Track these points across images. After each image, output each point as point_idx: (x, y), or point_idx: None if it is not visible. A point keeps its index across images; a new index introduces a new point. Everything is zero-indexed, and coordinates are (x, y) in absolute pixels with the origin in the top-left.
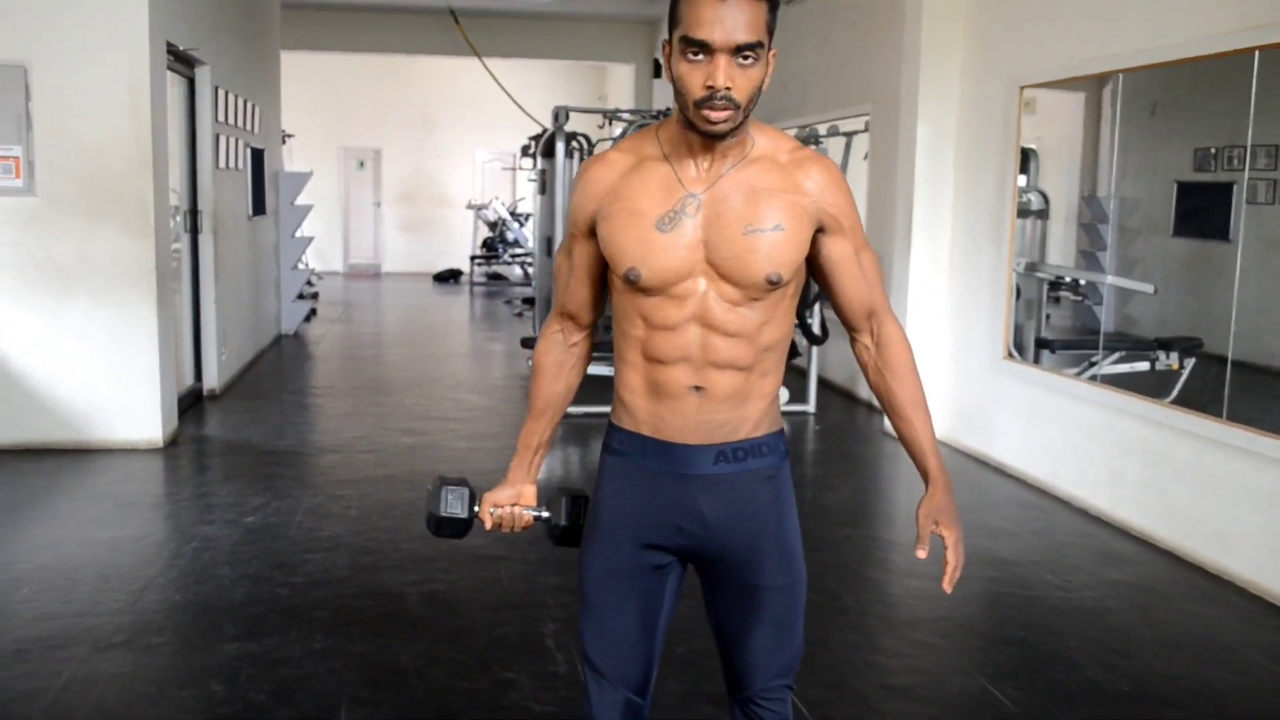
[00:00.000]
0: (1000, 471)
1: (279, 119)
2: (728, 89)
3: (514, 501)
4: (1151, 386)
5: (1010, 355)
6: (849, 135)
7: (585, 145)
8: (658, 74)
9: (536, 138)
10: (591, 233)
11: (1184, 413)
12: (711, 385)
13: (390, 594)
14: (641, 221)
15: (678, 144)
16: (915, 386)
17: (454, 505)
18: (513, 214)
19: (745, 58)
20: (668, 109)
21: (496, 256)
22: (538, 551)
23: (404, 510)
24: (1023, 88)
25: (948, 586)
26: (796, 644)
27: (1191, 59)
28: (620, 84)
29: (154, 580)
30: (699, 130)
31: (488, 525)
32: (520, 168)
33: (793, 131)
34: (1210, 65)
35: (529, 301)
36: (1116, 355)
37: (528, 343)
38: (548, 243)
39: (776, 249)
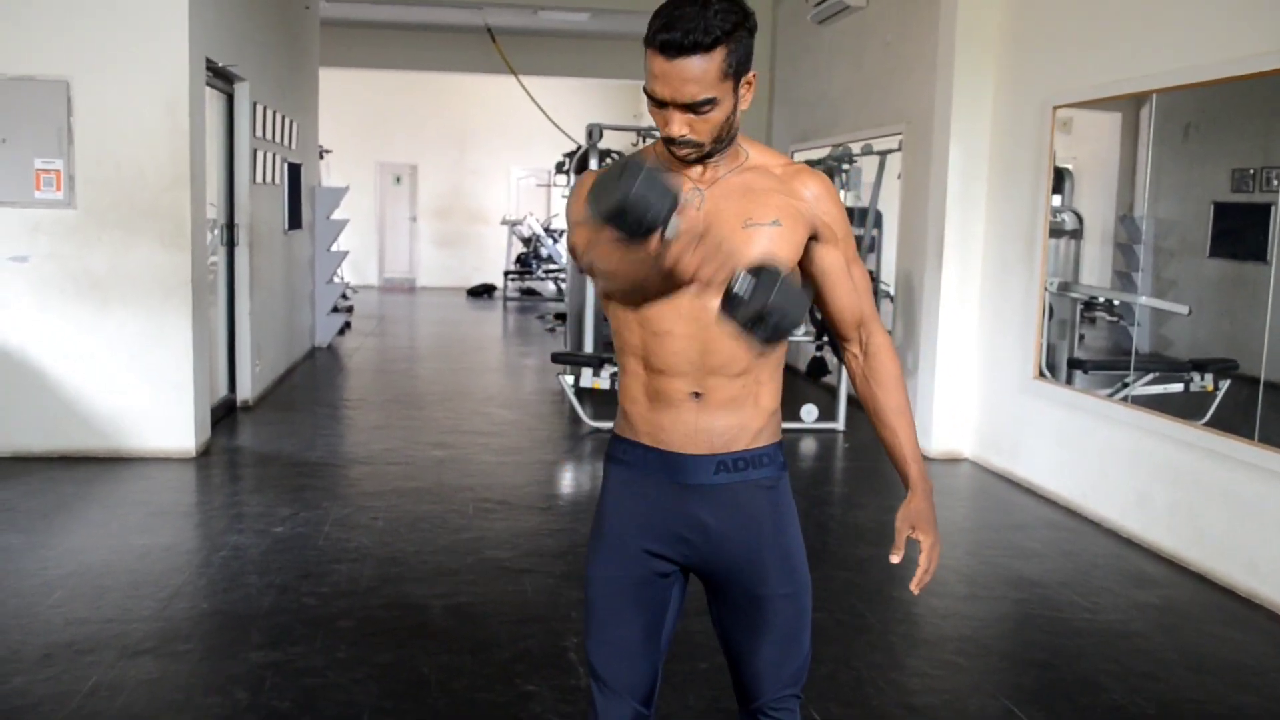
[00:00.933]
0: (1030, 492)
1: (316, 134)
2: (683, 135)
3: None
4: (1186, 408)
5: (1041, 375)
6: (883, 154)
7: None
8: None
9: (571, 154)
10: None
11: (1215, 434)
12: (709, 391)
13: (415, 605)
14: None
15: (672, 158)
16: (900, 395)
17: (652, 188)
18: (546, 230)
19: (700, 110)
20: None
21: (530, 272)
22: (563, 565)
23: (431, 523)
24: (1055, 108)
25: (915, 588)
26: (804, 653)
27: (1225, 79)
28: None
29: (183, 588)
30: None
31: (681, 232)
32: (555, 184)
33: (825, 150)
34: (1245, 86)
35: (561, 317)
36: (1150, 376)
37: (559, 358)
38: None
39: (774, 243)
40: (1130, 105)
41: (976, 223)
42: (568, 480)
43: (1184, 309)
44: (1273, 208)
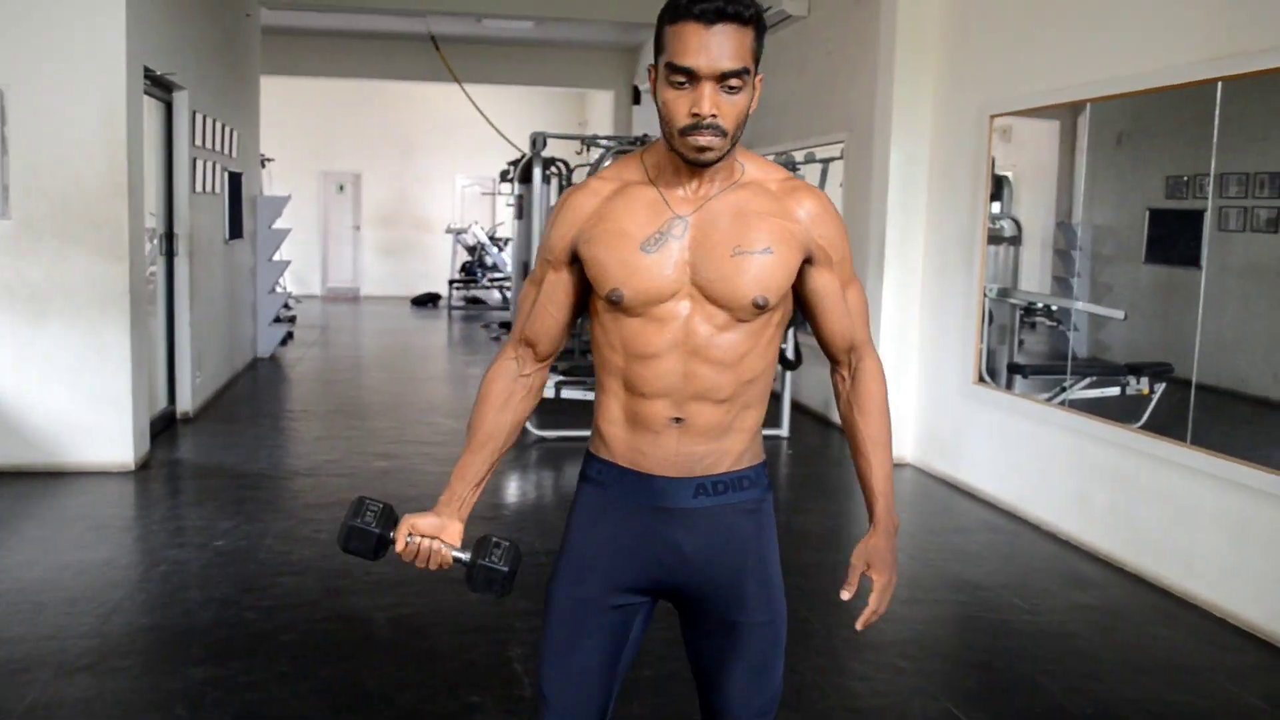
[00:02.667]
0: (970, 495)
1: (258, 143)
2: (713, 116)
3: (436, 534)
4: (1123, 411)
5: (981, 380)
6: (825, 162)
7: (563, 171)
8: (637, 100)
9: (515, 163)
10: (569, 261)
11: (1150, 437)
12: (691, 417)
13: (359, 618)
14: (626, 243)
15: (664, 168)
16: (881, 427)
17: (367, 518)
18: (492, 238)
19: (731, 86)
20: (645, 135)
21: (475, 281)
22: None
23: None
24: (993, 116)
25: (860, 626)
26: (776, 685)
27: (1158, 89)
28: (600, 110)
29: (121, 604)
30: (685, 159)
31: (399, 547)
32: (500, 193)
33: (770, 158)
34: (1178, 95)
35: (506, 326)
36: (1088, 380)
37: None
38: (524, 268)
39: (764, 272)
40: (1068, 114)
41: (917, 229)
42: (513, 490)
43: (1119, 314)
44: (1205, 214)
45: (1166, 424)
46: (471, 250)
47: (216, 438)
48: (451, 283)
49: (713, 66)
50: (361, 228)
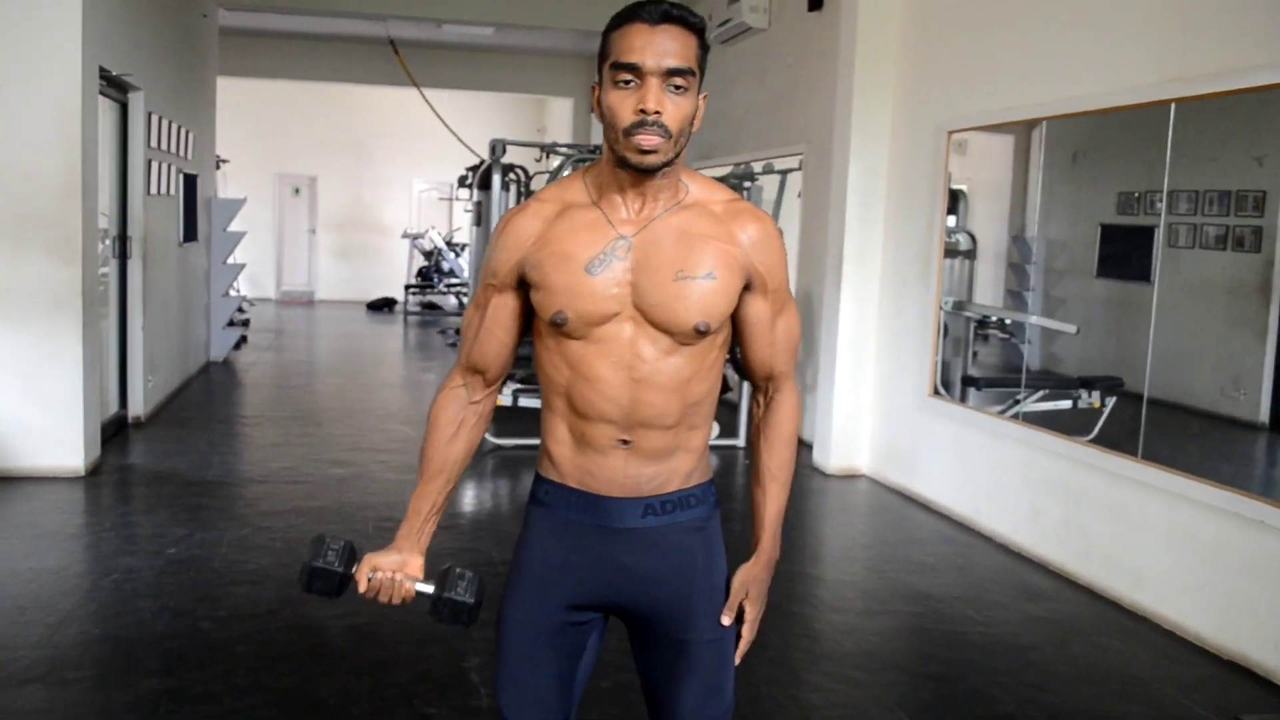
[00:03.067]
0: (925, 507)
1: (213, 145)
2: (658, 113)
3: (398, 569)
4: (1075, 424)
5: (937, 393)
6: (784, 173)
7: (522, 178)
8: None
9: (474, 169)
10: (515, 285)
11: (1102, 451)
12: (638, 440)
13: (315, 628)
14: (571, 265)
15: (607, 187)
16: (783, 460)
17: (329, 558)
18: (449, 244)
19: (677, 86)
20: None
21: (431, 286)
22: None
23: None
24: (951, 132)
25: (739, 659)
26: (727, 701)
27: (1112, 109)
28: (559, 117)
29: (73, 613)
30: (630, 164)
31: (362, 588)
32: (457, 198)
33: (728, 169)
34: (1131, 114)
35: None
36: (1041, 394)
37: None
38: None
39: (706, 298)
40: (1022, 130)
41: (875, 242)
42: (470, 498)
43: (1072, 328)
44: (1155, 230)
45: (1117, 438)
46: (428, 255)
47: (168, 443)
48: (408, 288)
49: (658, 62)
50: (317, 231)
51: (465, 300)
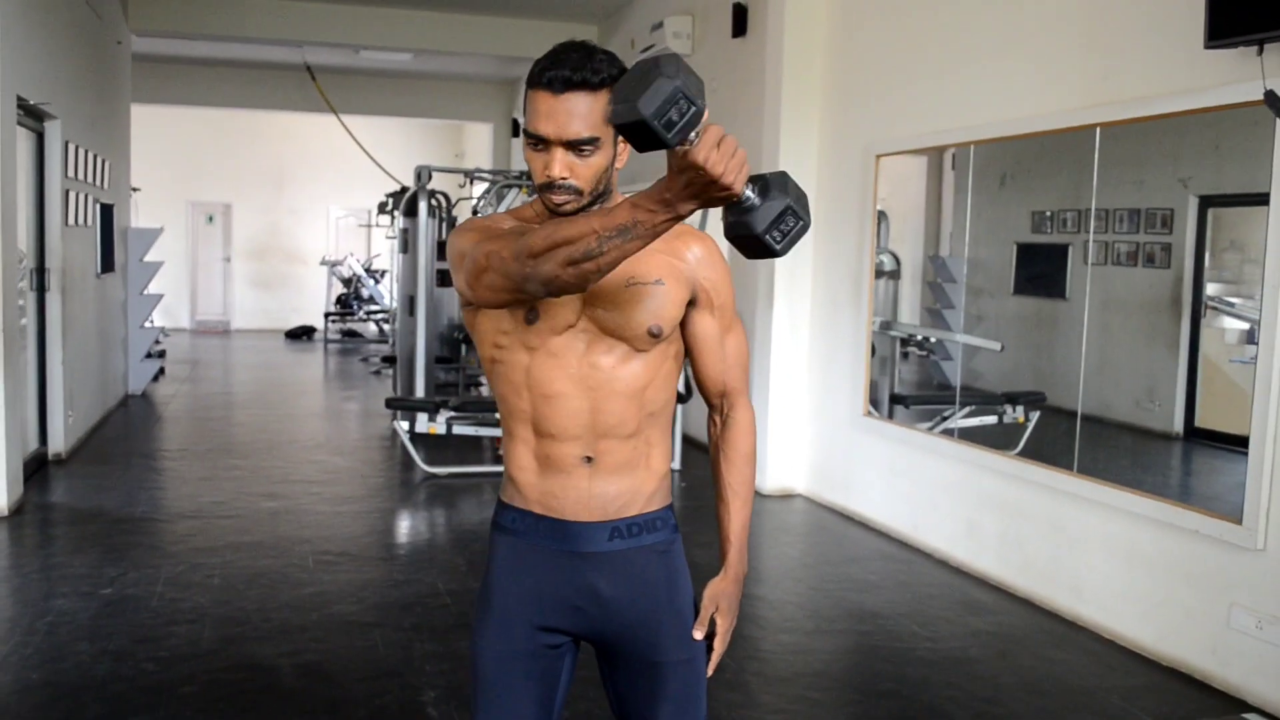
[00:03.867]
0: (863, 525)
1: (129, 174)
2: (563, 179)
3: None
4: (1000, 439)
5: (870, 412)
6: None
7: (444, 204)
8: (516, 133)
9: (394, 195)
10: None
11: (1037, 465)
12: (601, 454)
13: (262, 666)
14: None
15: (548, 210)
16: (743, 475)
17: (690, 80)
18: (368, 270)
19: (582, 150)
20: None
21: (351, 313)
22: (412, 617)
23: (271, 578)
24: (879, 156)
25: (711, 671)
26: (701, 718)
27: (1039, 133)
28: (477, 142)
29: (7, 659)
30: (549, 209)
31: (711, 139)
32: (377, 224)
33: None
34: (1048, 138)
35: (388, 360)
36: (967, 410)
37: (393, 404)
38: (409, 302)
39: (656, 302)
40: (934, 153)
41: (805, 263)
42: (408, 529)
43: (997, 345)
44: (1069, 248)
45: (1041, 450)
46: (347, 283)
47: (92, 480)
48: (327, 316)
49: (559, 134)
50: (232, 259)
51: (386, 328)
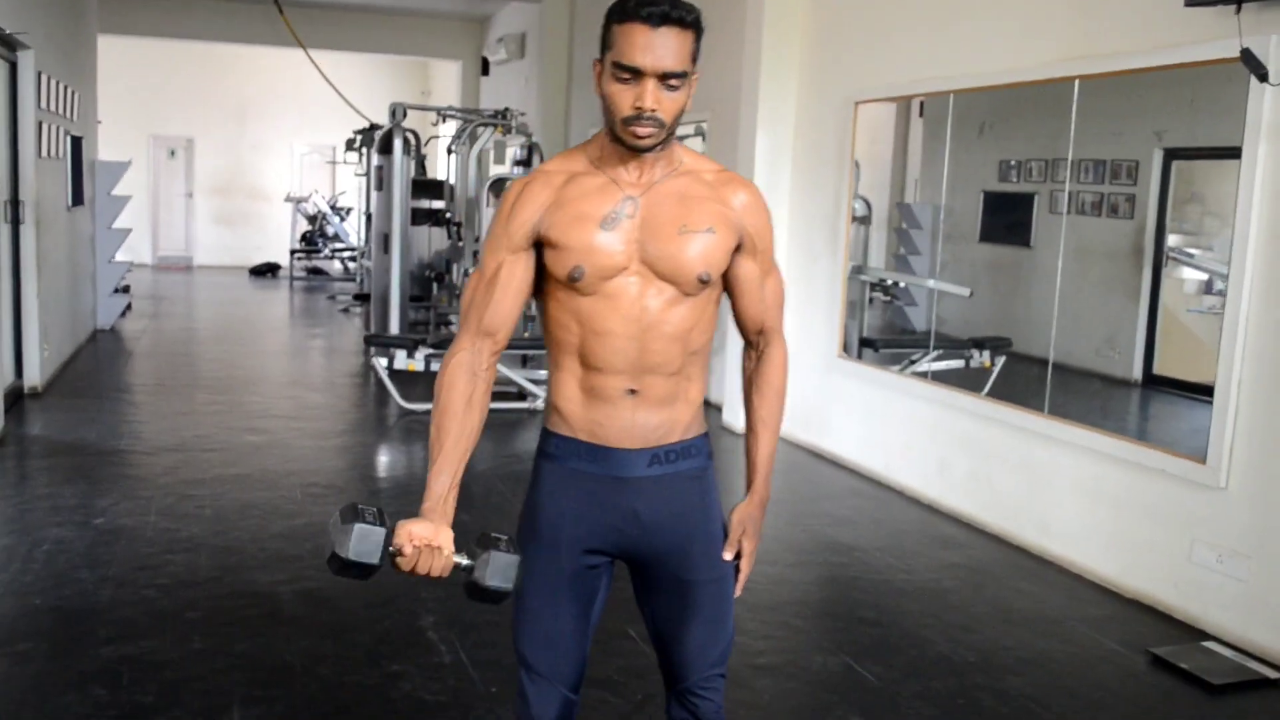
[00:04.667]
0: (836, 464)
1: (96, 106)
2: (654, 110)
3: (432, 539)
4: (967, 382)
5: (843, 354)
6: (680, 139)
7: (414, 142)
8: (485, 71)
9: (363, 132)
10: (529, 246)
11: (1006, 406)
12: (645, 389)
13: (263, 593)
14: (587, 223)
15: (608, 158)
16: (774, 407)
17: (367, 518)
18: (334, 208)
19: (671, 85)
20: (506, 110)
21: (317, 251)
22: None
23: (261, 510)
24: (858, 103)
25: (739, 591)
26: (729, 634)
27: (1019, 84)
28: (443, 80)
29: (9, 585)
30: (626, 144)
31: (407, 552)
32: (346, 161)
33: None
34: (1031, 90)
35: (361, 298)
36: (936, 354)
37: (373, 340)
38: (384, 239)
39: (708, 249)
40: (915, 98)
41: (782, 209)
42: (391, 462)
43: (966, 291)
44: (1035, 197)
45: (1006, 392)
46: (312, 220)
47: (72, 413)
48: (293, 253)
49: (656, 66)
50: (194, 195)
51: (352, 265)
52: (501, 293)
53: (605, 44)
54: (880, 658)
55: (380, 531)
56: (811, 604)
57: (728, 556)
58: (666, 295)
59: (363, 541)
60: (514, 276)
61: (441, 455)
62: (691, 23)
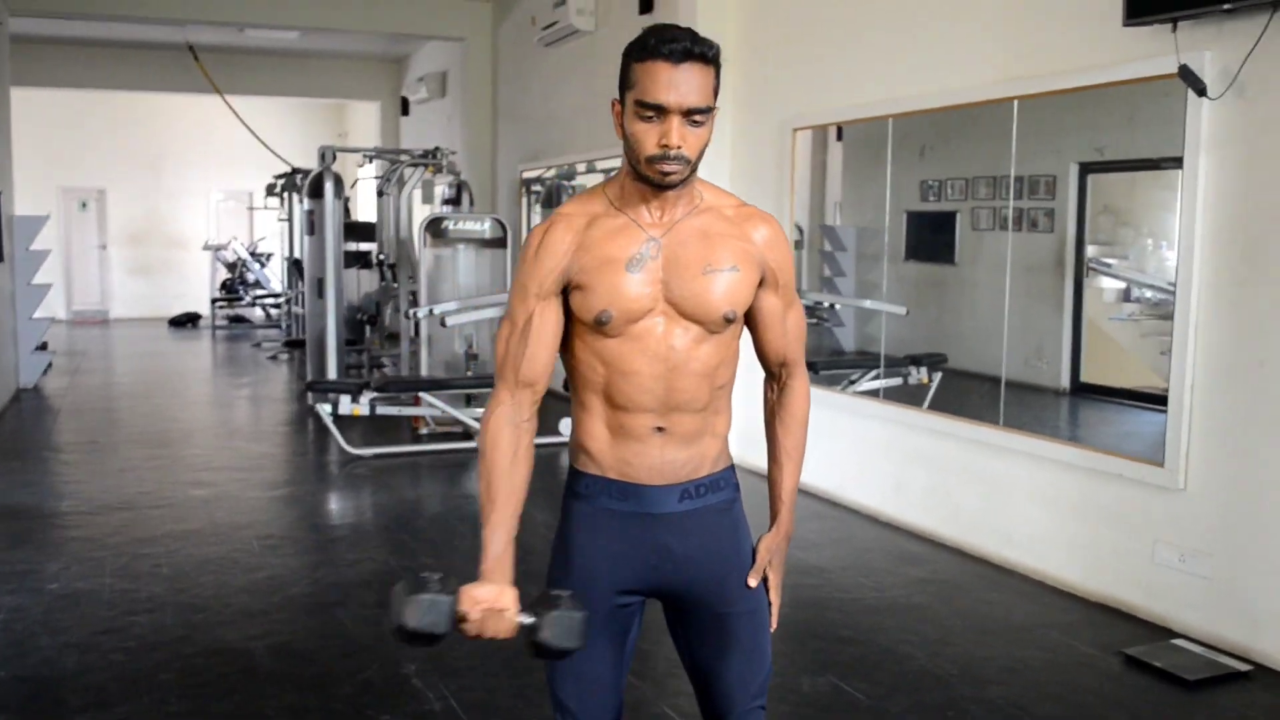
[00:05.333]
0: (801, 491)
1: (10, 160)
2: (679, 148)
3: (495, 602)
4: (906, 399)
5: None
6: (606, 173)
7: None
8: (405, 111)
9: (285, 176)
10: (558, 292)
11: (958, 421)
12: (672, 426)
13: (235, 650)
14: (614, 266)
15: (629, 196)
16: (798, 439)
17: (432, 587)
18: (253, 254)
19: (695, 120)
20: (437, 149)
21: (239, 298)
22: (373, 595)
23: (220, 565)
24: (795, 130)
25: (774, 624)
26: (767, 666)
27: (959, 106)
28: (360, 121)
29: None
30: (651, 183)
31: (471, 632)
32: (267, 206)
33: (553, 170)
34: (970, 111)
35: (292, 345)
36: (875, 372)
37: (315, 386)
38: (318, 284)
39: (732, 287)
40: (853, 123)
41: None
42: (347, 510)
43: (902, 310)
44: (957, 215)
45: (944, 408)
46: (231, 267)
47: (7, 476)
48: (214, 301)
49: (680, 103)
50: (108, 246)
51: (275, 312)
52: (536, 343)
53: (626, 83)
54: (865, 675)
55: (446, 601)
56: (789, 626)
57: (752, 583)
58: (692, 334)
59: (430, 613)
60: (546, 324)
61: (494, 513)
62: (712, 58)
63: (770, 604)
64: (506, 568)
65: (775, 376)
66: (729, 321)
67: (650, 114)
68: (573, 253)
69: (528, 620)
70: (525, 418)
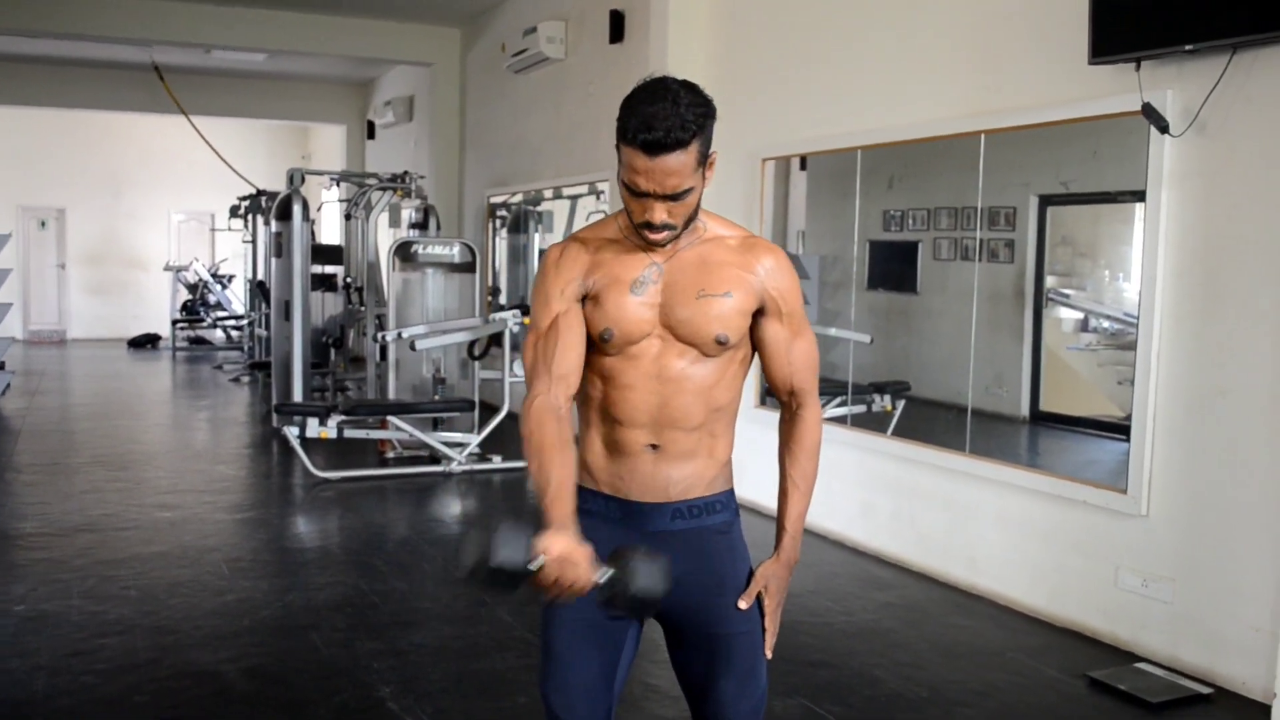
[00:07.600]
0: (757, 513)
1: None
2: (664, 221)
3: (571, 553)
4: (870, 425)
5: (762, 403)
6: (573, 199)
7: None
8: (371, 135)
9: (249, 198)
10: (579, 300)
11: (926, 447)
12: (666, 443)
13: (208, 672)
14: (620, 286)
15: (644, 239)
16: (807, 469)
17: (509, 550)
18: (215, 275)
19: (680, 198)
20: (406, 173)
21: (200, 320)
22: (345, 618)
23: (189, 587)
24: (764, 160)
25: (770, 651)
26: (761, 687)
27: (925, 139)
28: (324, 143)
29: None
30: (643, 240)
31: (549, 578)
32: (231, 228)
33: (520, 195)
34: (940, 144)
35: (257, 367)
36: (840, 399)
37: (282, 409)
38: (285, 306)
39: (724, 312)
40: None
41: None
42: (313, 533)
43: (866, 338)
44: (919, 245)
45: (907, 435)
46: (192, 289)
47: None
48: (175, 323)
49: (659, 191)
50: (67, 266)
51: (236, 334)
52: (565, 341)
53: (618, 150)
54: (837, 698)
55: (526, 537)
56: None
57: (743, 605)
58: (688, 356)
59: (511, 546)
60: (572, 325)
61: (554, 485)
62: (690, 138)
63: (765, 629)
64: (575, 531)
65: (786, 405)
66: (721, 344)
67: (635, 192)
68: (588, 268)
69: (606, 575)
70: (563, 408)
